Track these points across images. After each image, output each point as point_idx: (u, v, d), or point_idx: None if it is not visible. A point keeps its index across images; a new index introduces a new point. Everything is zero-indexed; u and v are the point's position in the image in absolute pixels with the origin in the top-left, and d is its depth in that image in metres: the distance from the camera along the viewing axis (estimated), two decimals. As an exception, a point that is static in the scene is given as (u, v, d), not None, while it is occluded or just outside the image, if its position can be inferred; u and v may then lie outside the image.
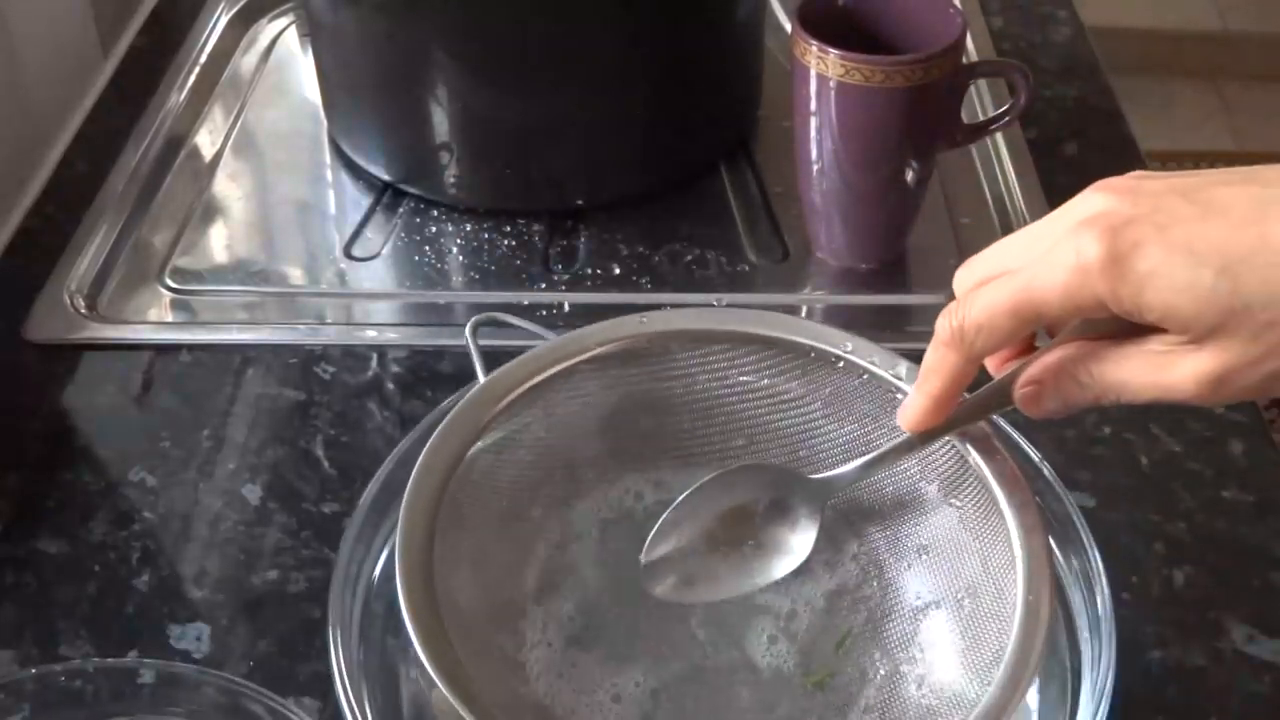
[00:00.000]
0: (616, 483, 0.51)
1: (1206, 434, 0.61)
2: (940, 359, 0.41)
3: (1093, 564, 0.46)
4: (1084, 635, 0.46)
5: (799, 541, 0.47)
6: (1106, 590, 0.45)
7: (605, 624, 0.49)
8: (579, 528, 0.51)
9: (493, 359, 0.49)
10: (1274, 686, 0.52)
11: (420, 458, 0.45)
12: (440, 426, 0.46)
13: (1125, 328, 0.38)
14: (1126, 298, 0.36)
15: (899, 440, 0.45)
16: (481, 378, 0.48)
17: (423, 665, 0.40)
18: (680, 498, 0.46)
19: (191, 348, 0.66)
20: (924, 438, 0.44)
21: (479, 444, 0.47)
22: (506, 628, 0.48)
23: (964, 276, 0.41)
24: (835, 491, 0.47)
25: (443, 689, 0.39)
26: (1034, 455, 0.49)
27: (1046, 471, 0.49)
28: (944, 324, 0.40)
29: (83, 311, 0.67)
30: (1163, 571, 0.56)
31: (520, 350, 0.49)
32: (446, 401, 0.49)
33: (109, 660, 0.44)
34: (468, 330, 0.50)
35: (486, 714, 0.39)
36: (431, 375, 0.65)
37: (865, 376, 0.48)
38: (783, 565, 0.47)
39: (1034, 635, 0.42)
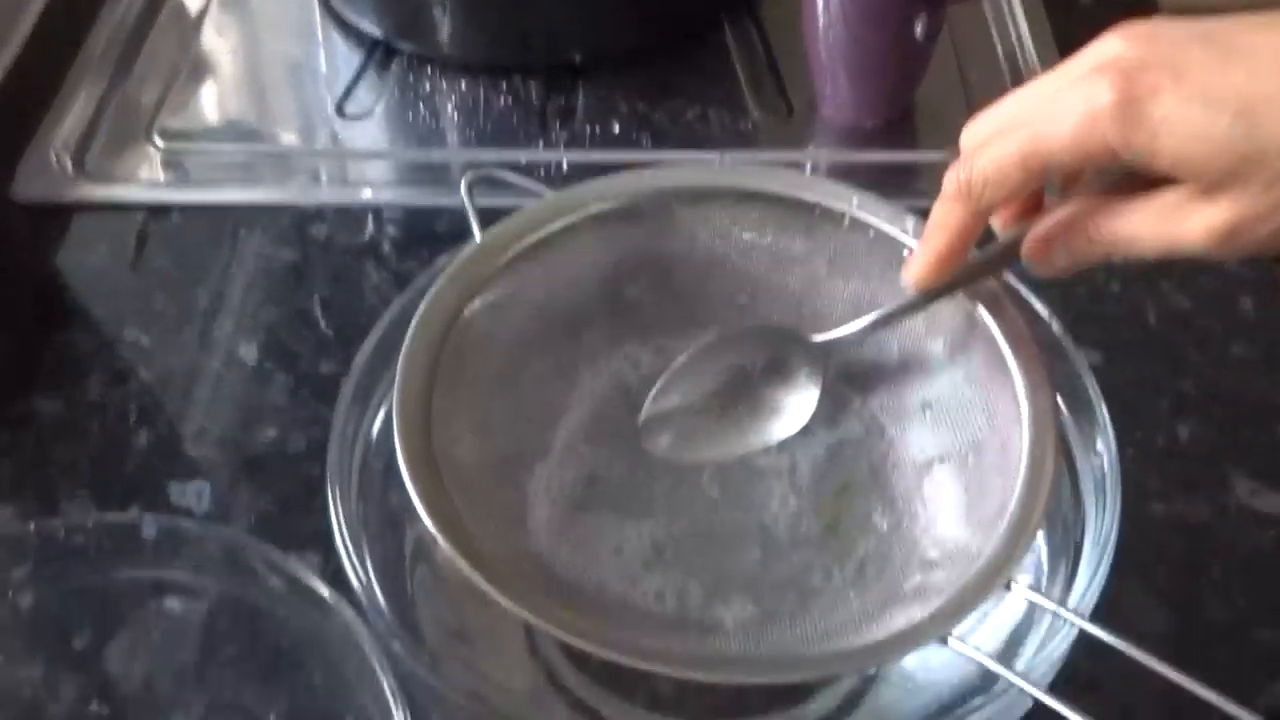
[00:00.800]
0: (617, 343, 0.51)
1: (1216, 290, 0.60)
2: (947, 213, 0.40)
3: (1099, 419, 0.46)
4: (1088, 489, 0.46)
5: (801, 402, 0.46)
6: (1113, 445, 0.45)
7: (607, 483, 0.48)
8: (580, 388, 0.50)
9: (490, 218, 0.48)
10: (1276, 539, 0.52)
11: (417, 313, 0.45)
12: (436, 283, 0.46)
13: (1136, 182, 0.37)
14: (1138, 144, 0.35)
15: (904, 300, 0.44)
16: (478, 235, 0.47)
17: (421, 518, 0.40)
18: (681, 358, 0.45)
19: (183, 208, 0.65)
20: (929, 296, 0.43)
21: (476, 302, 0.46)
22: (508, 484, 0.47)
23: (972, 130, 0.40)
24: (838, 353, 0.46)
25: (441, 541, 0.39)
26: (1042, 311, 0.48)
27: (1055, 328, 0.48)
28: (951, 177, 0.39)
29: (70, 171, 0.66)
30: (1168, 426, 0.55)
31: (518, 209, 0.48)
32: (442, 259, 0.48)
33: (110, 515, 0.44)
34: (463, 187, 0.49)
35: (486, 567, 0.39)
36: (427, 235, 0.63)
37: (871, 233, 0.47)
38: (784, 426, 0.47)
39: (1038, 489, 0.41)
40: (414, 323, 0.44)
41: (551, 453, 0.49)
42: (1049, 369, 0.44)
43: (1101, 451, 0.45)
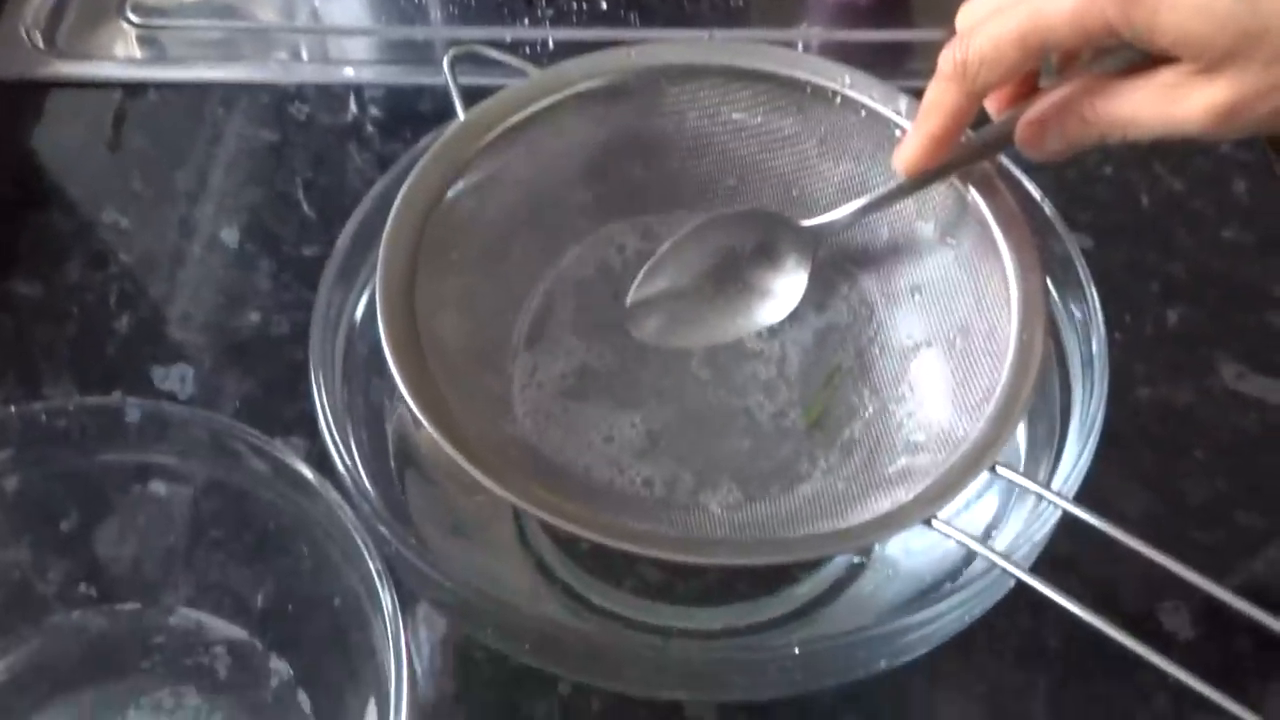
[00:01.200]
0: (604, 226, 0.50)
1: (1210, 172, 0.60)
2: (941, 93, 0.39)
3: (1089, 304, 0.45)
4: (1076, 373, 0.46)
5: (789, 287, 0.46)
6: (1101, 330, 0.45)
7: (594, 369, 0.48)
8: (566, 271, 0.50)
9: (474, 97, 0.47)
10: (1260, 423, 0.52)
11: (400, 194, 0.44)
12: (420, 163, 0.45)
13: (1135, 61, 0.36)
14: (1139, 20, 0.34)
15: (894, 184, 0.43)
16: (461, 114, 0.46)
17: (406, 403, 0.40)
18: (668, 241, 0.45)
19: (159, 86, 0.63)
20: (920, 180, 0.43)
21: (459, 183, 0.45)
22: (493, 369, 0.47)
23: (969, 9, 0.39)
24: (827, 237, 0.45)
25: (425, 424, 0.39)
26: (1035, 194, 0.48)
27: (1048, 210, 0.47)
28: (947, 56, 0.38)
29: (41, 47, 0.64)
30: (1157, 311, 0.55)
31: (502, 88, 0.47)
32: (425, 139, 0.47)
33: (91, 399, 0.44)
34: (445, 64, 0.48)
35: (472, 452, 0.39)
36: (410, 114, 0.62)
37: (863, 113, 0.46)
38: (772, 311, 0.46)
39: (1026, 373, 0.41)
40: (396, 204, 0.44)
41: (538, 338, 0.48)
42: (1041, 252, 0.44)
43: (1090, 335, 0.45)
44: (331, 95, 0.63)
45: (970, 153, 0.42)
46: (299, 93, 0.63)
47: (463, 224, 0.45)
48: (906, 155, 0.42)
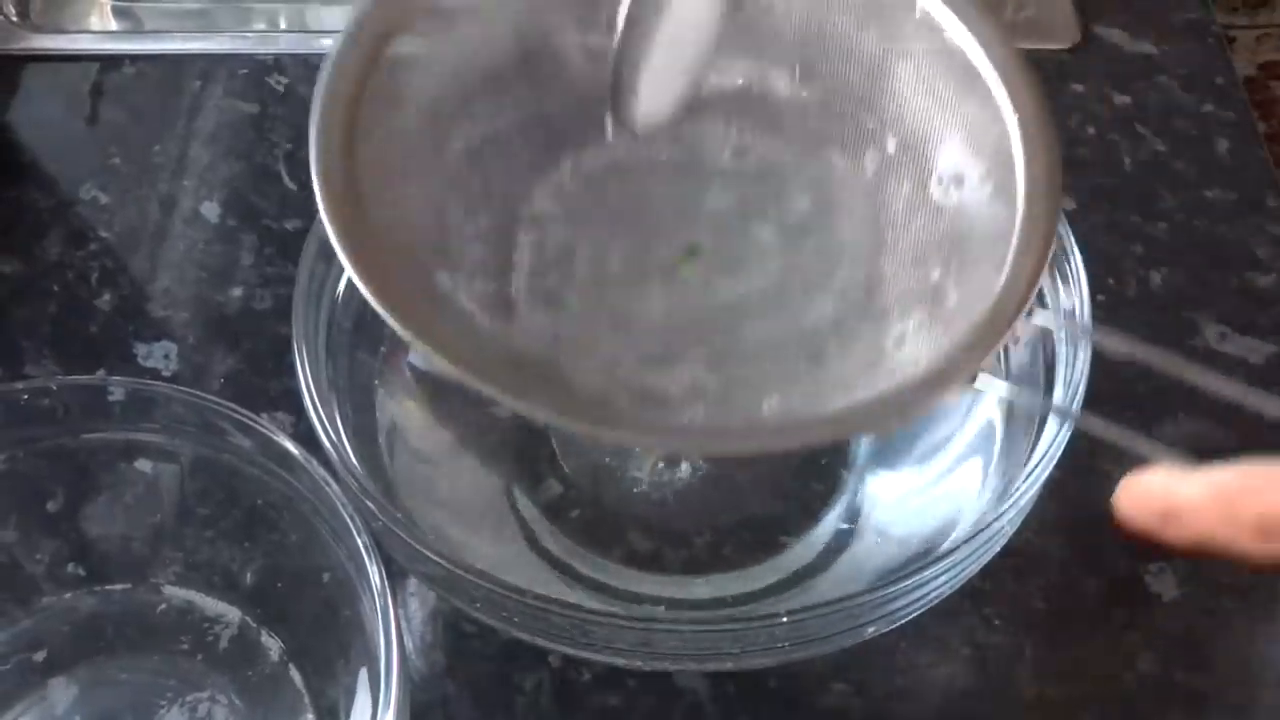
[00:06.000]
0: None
1: (1192, 133, 0.60)
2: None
3: (1073, 266, 0.45)
4: (1059, 336, 0.46)
5: None
6: (1085, 292, 0.45)
7: (571, 249, 0.43)
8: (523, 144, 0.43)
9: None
10: (1243, 383, 0.52)
11: (324, 69, 0.38)
12: (342, 32, 0.39)
13: None
14: None
15: None
16: None
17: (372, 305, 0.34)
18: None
19: (135, 58, 0.63)
20: None
21: (391, 48, 0.39)
22: (455, 260, 0.40)
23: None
24: None
25: (402, 333, 0.34)
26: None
27: (1029, 172, 0.47)
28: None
29: (15, 20, 0.63)
30: (1139, 273, 0.55)
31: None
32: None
33: (75, 378, 0.44)
34: None
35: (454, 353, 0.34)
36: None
37: None
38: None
39: (1044, 215, 0.37)
40: (321, 82, 0.37)
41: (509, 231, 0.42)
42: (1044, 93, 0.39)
43: (1073, 298, 0.45)
44: (310, 66, 0.63)
45: None
46: (277, 64, 0.63)
47: (400, 99, 0.39)
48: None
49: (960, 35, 0.40)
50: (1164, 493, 0.30)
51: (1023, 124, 0.39)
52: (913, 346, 0.38)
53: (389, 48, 0.39)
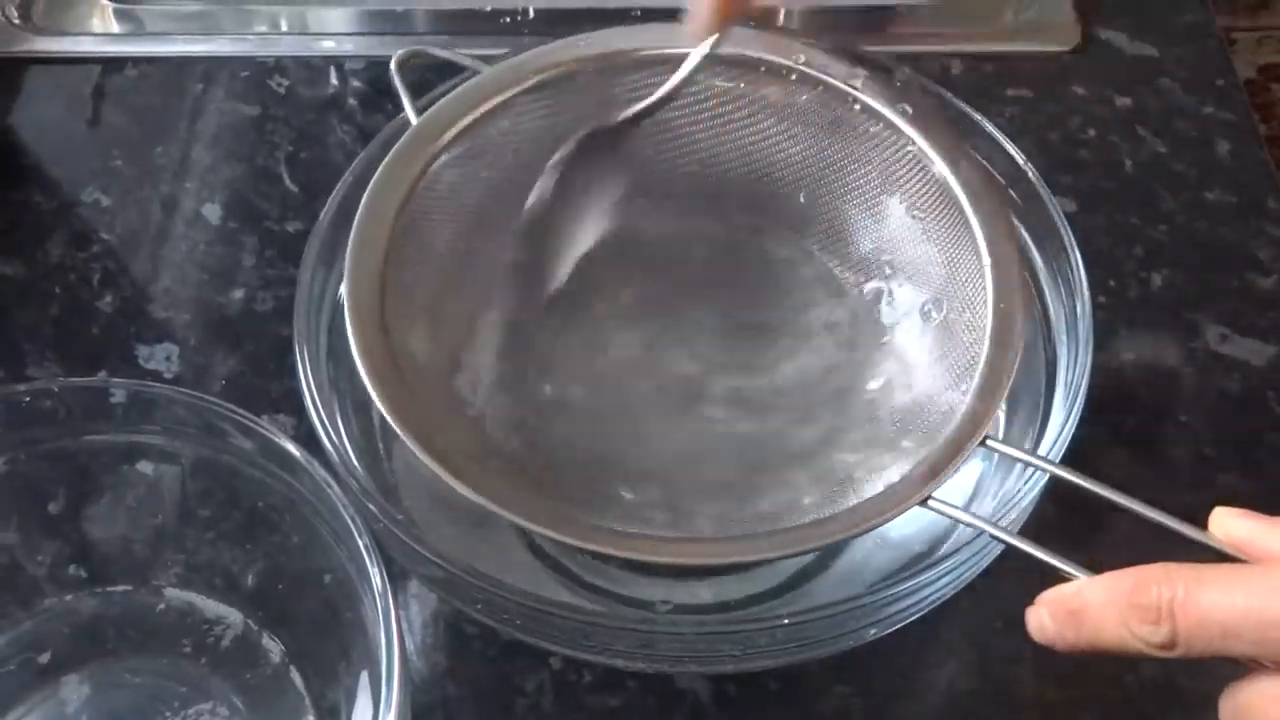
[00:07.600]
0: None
1: (1193, 135, 0.60)
2: None
3: (1073, 268, 0.46)
4: (1060, 338, 0.46)
5: None
6: (1086, 294, 0.45)
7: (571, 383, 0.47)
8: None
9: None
10: (1244, 384, 0.52)
11: (359, 211, 0.43)
12: (375, 175, 0.44)
13: None
14: None
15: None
16: (413, 119, 0.45)
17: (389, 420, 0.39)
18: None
19: (137, 60, 0.63)
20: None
21: (420, 189, 0.44)
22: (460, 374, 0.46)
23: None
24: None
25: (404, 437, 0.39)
26: (1018, 158, 0.48)
27: (1031, 174, 0.47)
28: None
29: (17, 22, 0.63)
30: (1140, 274, 0.55)
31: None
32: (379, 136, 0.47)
33: (75, 380, 0.44)
34: (393, 67, 0.47)
35: (446, 458, 0.39)
36: (391, 86, 0.61)
37: (820, 89, 0.46)
38: None
39: (1007, 343, 0.41)
40: (357, 220, 0.43)
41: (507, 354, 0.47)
42: (1012, 222, 0.44)
43: (1074, 300, 0.45)
44: (311, 68, 0.63)
45: None
46: (279, 66, 0.63)
47: (427, 233, 0.44)
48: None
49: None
50: (1074, 593, 0.33)
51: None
52: (866, 471, 0.42)
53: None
